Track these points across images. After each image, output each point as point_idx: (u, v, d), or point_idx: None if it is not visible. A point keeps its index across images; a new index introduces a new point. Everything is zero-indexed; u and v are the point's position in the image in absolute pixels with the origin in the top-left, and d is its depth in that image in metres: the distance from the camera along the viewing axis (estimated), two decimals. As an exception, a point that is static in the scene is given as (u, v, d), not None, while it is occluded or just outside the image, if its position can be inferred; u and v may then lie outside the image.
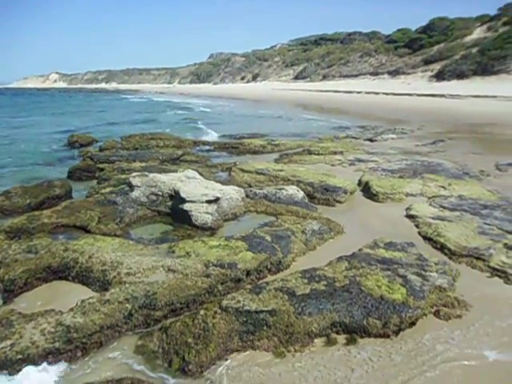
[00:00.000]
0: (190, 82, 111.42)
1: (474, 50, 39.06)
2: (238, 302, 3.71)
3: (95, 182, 8.86)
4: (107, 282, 4.35)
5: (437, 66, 42.12)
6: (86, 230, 5.90)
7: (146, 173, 7.50)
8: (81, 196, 7.73)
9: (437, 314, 3.90)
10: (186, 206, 6.19)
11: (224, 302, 3.72)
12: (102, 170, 9.53)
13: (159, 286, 4.07)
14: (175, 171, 8.23)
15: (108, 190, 7.40)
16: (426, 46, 48.26)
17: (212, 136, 17.09)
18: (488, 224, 5.87)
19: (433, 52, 45.40)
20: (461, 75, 37.35)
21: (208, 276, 4.30)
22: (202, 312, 3.64)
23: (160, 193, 6.81)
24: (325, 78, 60.51)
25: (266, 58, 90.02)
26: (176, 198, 6.55)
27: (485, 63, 35.93)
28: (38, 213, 6.19)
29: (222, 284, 4.28)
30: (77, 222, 5.99)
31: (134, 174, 7.48)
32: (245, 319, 3.56)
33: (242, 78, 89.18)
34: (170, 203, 6.71)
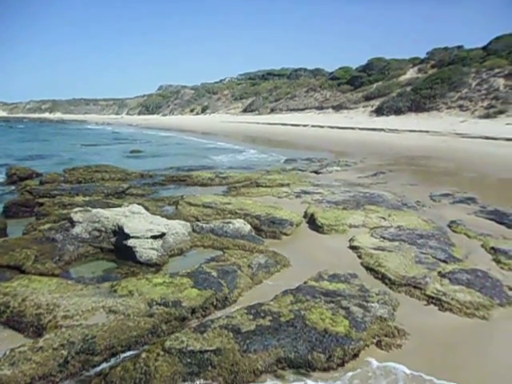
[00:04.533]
0: (139, 114, 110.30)
1: (408, 89, 42.24)
2: (182, 342, 3.62)
3: (34, 218, 8.40)
4: (42, 326, 4.07)
5: (376, 102, 44.99)
6: (20, 270, 5.53)
7: (89, 208, 7.24)
8: (17, 233, 7.26)
9: (378, 344, 4.02)
10: (130, 242, 6.03)
11: (167, 343, 3.61)
12: (41, 204, 9.06)
13: (99, 328, 3.88)
14: (120, 205, 8.02)
15: (47, 226, 7.04)
16: (366, 83, 51.60)
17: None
18: (424, 253, 6.20)
19: (372, 89, 48.54)
20: (398, 111, 40.10)
21: (151, 316, 4.17)
22: (143, 355, 3.50)
23: (103, 228, 6.59)
24: (273, 111, 62.35)
25: (215, 91, 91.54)
26: (120, 233, 6.36)
27: (418, 101, 38.92)
28: (-34, 253, 5.75)
29: (166, 323, 4.16)
30: (10, 262, 5.61)
31: (76, 209, 7.18)
32: (189, 360, 3.47)
33: (192, 110, 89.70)
34: (113, 239, 6.50)
